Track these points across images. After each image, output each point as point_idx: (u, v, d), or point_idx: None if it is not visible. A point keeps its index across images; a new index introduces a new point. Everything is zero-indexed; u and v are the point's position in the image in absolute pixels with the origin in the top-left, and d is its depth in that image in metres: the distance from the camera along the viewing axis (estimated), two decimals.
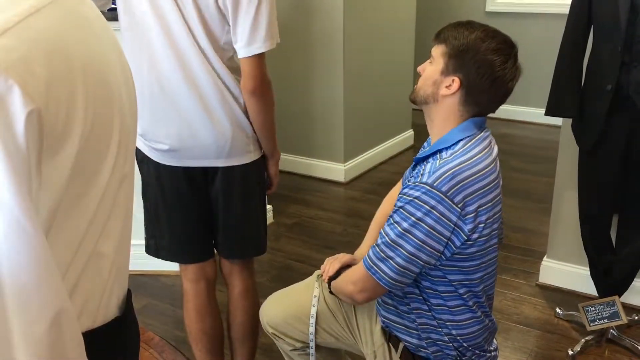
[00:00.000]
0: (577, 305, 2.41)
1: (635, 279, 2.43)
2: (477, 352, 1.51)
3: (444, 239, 1.34)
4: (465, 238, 1.35)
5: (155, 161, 1.73)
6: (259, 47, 1.59)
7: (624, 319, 2.31)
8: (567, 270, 2.77)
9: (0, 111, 0.54)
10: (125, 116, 0.74)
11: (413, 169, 1.49)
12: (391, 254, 1.36)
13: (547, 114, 2.33)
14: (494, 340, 1.61)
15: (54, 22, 0.64)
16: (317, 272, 1.79)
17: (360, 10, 3.91)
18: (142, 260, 2.83)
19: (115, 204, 0.74)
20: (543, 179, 3.94)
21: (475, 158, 1.35)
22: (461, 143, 1.38)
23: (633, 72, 2.04)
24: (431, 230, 1.32)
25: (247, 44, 1.58)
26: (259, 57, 1.61)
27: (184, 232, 1.81)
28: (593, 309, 2.35)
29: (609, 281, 2.41)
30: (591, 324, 2.34)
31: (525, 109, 5.19)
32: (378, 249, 1.38)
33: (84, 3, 0.73)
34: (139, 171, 1.79)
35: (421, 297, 1.46)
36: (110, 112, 0.70)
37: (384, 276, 1.38)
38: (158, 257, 1.89)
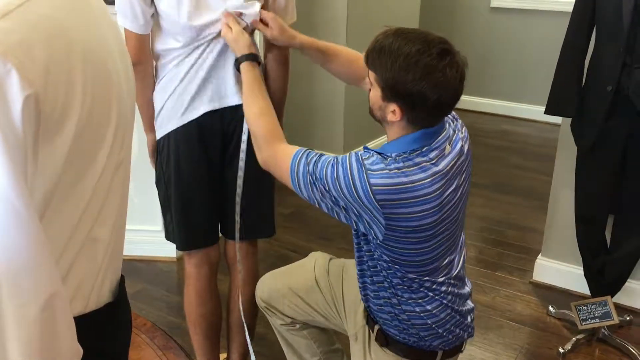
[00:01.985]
0: (570, 304, 2.42)
1: (627, 280, 2.44)
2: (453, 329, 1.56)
3: (356, 212, 1.37)
4: (395, 240, 1.38)
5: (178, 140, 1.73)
6: (291, 17, 1.75)
7: (616, 319, 2.32)
8: (561, 269, 2.78)
9: None
10: (123, 102, 0.74)
11: None
12: (310, 178, 1.41)
13: (546, 112, 2.33)
14: (469, 301, 1.62)
15: (55, 8, 0.64)
16: (313, 253, 1.90)
17: (364, 2, 3.90)
18: (138, 246, 2.86)
19: (110, 190, 0.74)
20: (542, 176, 3.94)
21: (413, 168, 1.35)
22: (407, 152, 1.37)
23: (634, 74, 2.04)
24: (347, 199, 1.37)
25: (282, 16, 1.69)
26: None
27: (194, 216, 1.82)
28: (585, 308, 2.36)
29: (602, 281, 2.41)
30: (583, 323, 2.35)
31: (527, 106, 5.18)
32: (310, 165, 1.42)
33: None
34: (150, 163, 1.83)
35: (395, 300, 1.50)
36: (108, 98, 0.70)
37: (297, 182, 1.44)
38: (173, 243, 1.89)
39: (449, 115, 1.47)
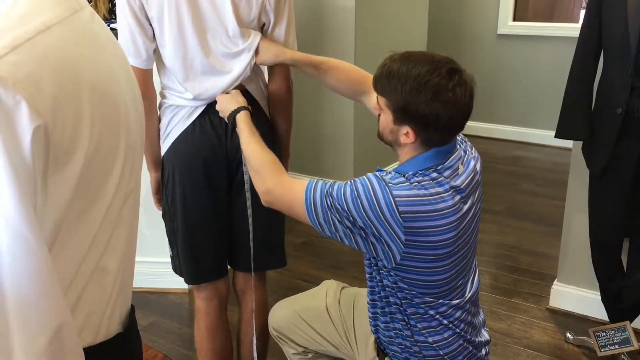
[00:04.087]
0: (588, 330, 2.38)
1: None
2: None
3: (377, 234, 1.35)
4: (413, 258, 1.37)
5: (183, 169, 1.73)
6: (292, 49, 1.75)
7: (635, 344, 2.27)
8: (577, 295, 2.74)
9: (8, 126, 0.55)
10: (131, 132, 0.75)
11: None
12: (328, 202, 1.39)
13: (557, 136, 2.32)
14: (484, 332, 1.61)
15: (64, 40, 0.65)
16: (325, 281, 1.90)
17: (372, 31, 3.94)
18: (150, 278, 2.86)
19: (119, 220, 0.74)
20: (554, 201, 3.91)
21: (432, 183, 1.36)
22: (422, 170, 1.38)
23: None
24: (367, 219, 1.35)
25: (283, 45, 1.72)
26: None
27: (202, 249, 1.82)
28: (604, 334, 2.32)
29: (620, 306, 2.37)
30: (602, 350, 2.30)
31: (538, 132, 5.18)
32: (326, 189, 1.41)
33: (94, 21, 0.74)
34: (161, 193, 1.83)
35: (405, 324, 1.49)
36: (116, 129, 0.71)
37: (314, 213, 1.40)
38: (181, 276, 1.89)
39: (457, 138, 1.48)
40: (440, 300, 1.45)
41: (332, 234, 1.42)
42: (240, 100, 1.65)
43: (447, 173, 1.39)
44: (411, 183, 1.35)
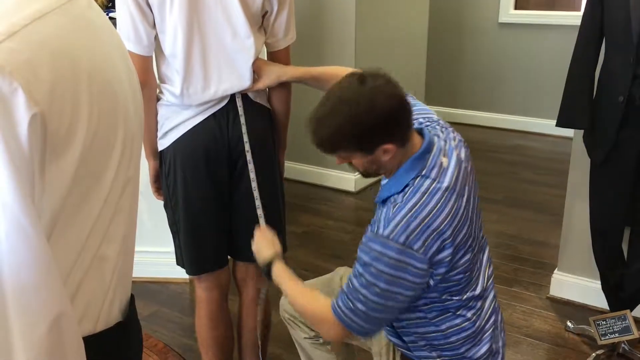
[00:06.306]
0: (588, 319, 2.38)
1: None
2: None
3: (413, 284, 1.35)
4: (440, 277, 1.37)
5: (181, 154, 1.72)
6: (292, 37, 1.78)
7: (636, 333, 2.28)
8: (578, 284, 2.74)
9: (4, 113, 0.55)
10: (129, 121, 0.75)
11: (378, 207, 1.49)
12: (361, 307, 1.37)
13: (558, 125, 2.32)
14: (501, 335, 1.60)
15: (61, 27, 0.64)
16: (339, 268, 1.90)
17: (372, 20, 3.92)
18: (150, 267, 2.86)
19: (118, 208, 0.74)
20: (554, 190, 3.91)
21: (424, 198, 1.34)
22: (410, 184, 1.37)
23: None
24: (396, 279, 1.33)
25: (284, 35, 1.74)
26: (289, 47, 1.79)
27: (203, 239, 1.81)
28: (604, 322, 2.32)
29: (620, 295, 2.38)
30: (602, 338, 2.31)
31: (538, 121, 5.17)
32: (347, 298, 1.39)
33: (91, 8, 0.73)
34: (163, 184, 1.81)
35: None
36: (114, 116, 0.71)
37: (358, 327, 1.40)
38: (183, 268, 1.88)
39: (437, 127, 1.47)
40: (467, 295, 1.45)
41: (384, 322, 1.46)
42: (277, 245, 1.64)
43: (434, 173, 1.37)
44: (403, 202, 1.35)
